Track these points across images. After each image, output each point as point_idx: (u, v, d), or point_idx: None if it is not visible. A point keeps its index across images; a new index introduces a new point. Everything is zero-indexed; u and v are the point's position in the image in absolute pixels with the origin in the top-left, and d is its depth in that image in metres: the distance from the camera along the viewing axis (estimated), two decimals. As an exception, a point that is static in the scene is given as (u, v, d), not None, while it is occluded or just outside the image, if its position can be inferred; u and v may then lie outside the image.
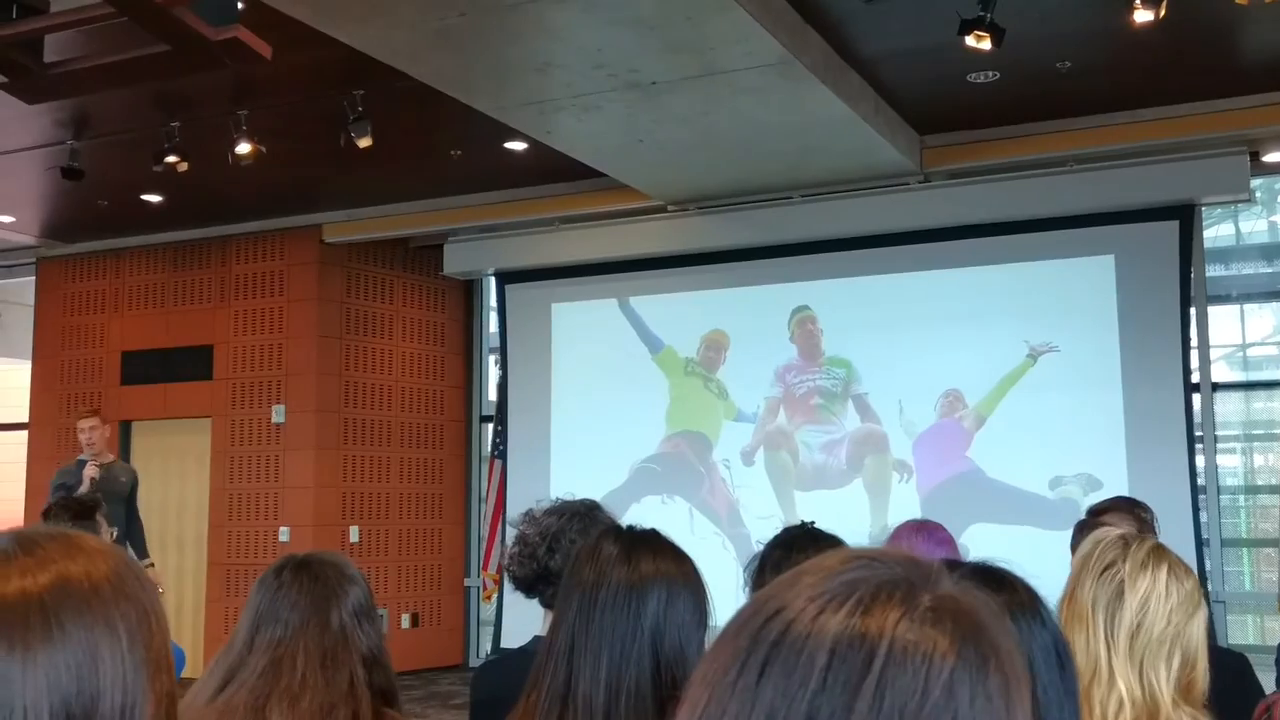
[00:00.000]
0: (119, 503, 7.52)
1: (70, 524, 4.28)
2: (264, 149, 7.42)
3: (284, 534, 9.59)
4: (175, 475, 10.32)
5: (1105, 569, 1.79)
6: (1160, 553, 1.84)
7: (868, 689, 0.69)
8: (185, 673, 6.85)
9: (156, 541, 10.25)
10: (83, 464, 7.51)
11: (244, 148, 7.36)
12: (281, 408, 9.75)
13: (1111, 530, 1.89)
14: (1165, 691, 1.73)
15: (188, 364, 10.23)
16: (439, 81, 6.18)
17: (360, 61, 5.97)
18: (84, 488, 7.26)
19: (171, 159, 7.47)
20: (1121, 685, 1.71)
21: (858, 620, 0.71)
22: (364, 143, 7.05)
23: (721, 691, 0.72)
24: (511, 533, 2.58)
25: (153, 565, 7.91)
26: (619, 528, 1.92)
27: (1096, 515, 3.11)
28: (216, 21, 2.81)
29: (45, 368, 10.97)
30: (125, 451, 10.55)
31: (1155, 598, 1.77)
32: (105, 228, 10.22)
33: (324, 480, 9.66)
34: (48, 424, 10.83)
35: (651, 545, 1.85)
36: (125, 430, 10.52)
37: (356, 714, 2.00)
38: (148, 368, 10.43)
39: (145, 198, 9.22)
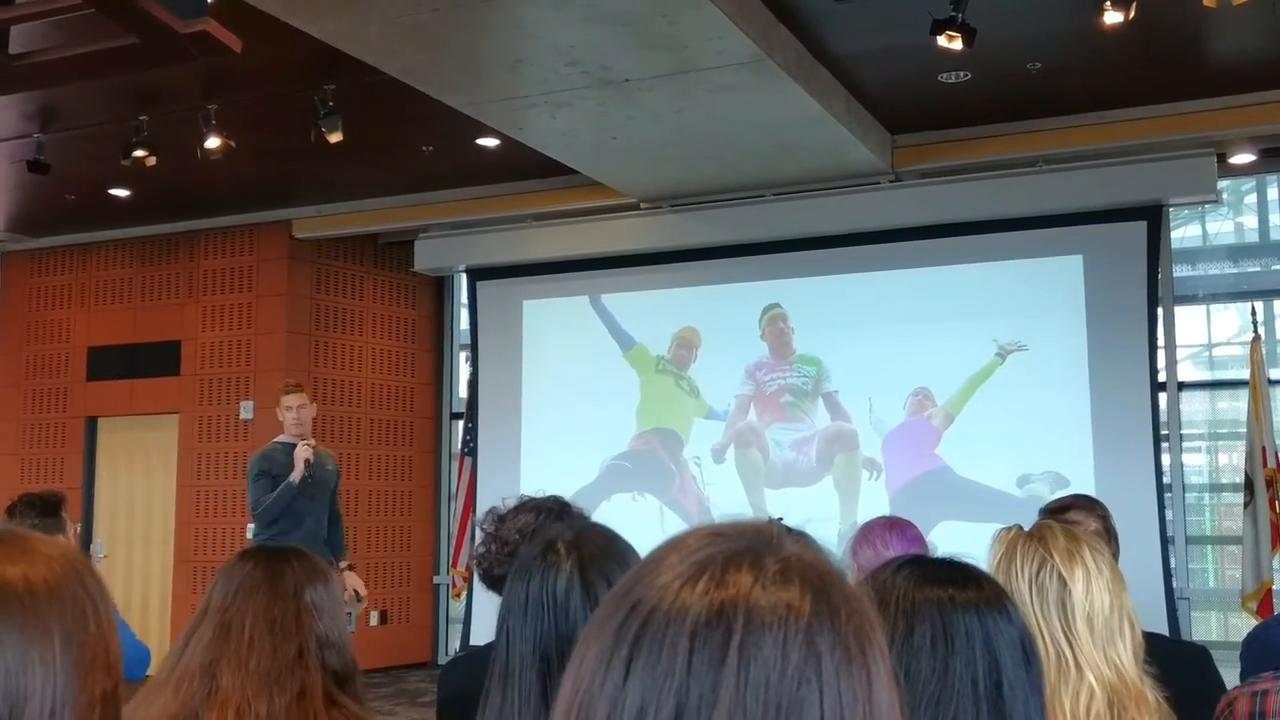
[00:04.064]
0: (324, 496, 6.38)
1: (36, 520, 4.22)
2: (233, 143, 7.36)
3: (251, 530, 9.51)
4: (142, 472, 10.24)
5: (1039, 569, 1.80)
6: (1072, 534, 1.86)
7: (731, 663, 0.70)
8: (152, 669, 6.76)
9: (122, 538, 10.20)
10: (288, 447, 6.27)
11: (213, 142, 7.29)
12: (250, 404, 9.68)
13: (1009, 530, 1.90)
14: (1128, 665, 1.76)
15: (155, 360, 10.13)
16: (410, 77, 6.15)
17: (331, 56, 5.93)
18: (297, 474, 6.13)
19: (140, 153, 7.39)
20: (1090, 675, 1.73)
21: (712, 595, 0.73)
22: (334, 138, 7.00)
23: (590, 696, 0.73)
24: (481, 533, 2.56)
25: (351, 567, 6.70)
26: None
27: (1059, 512, 3.10)
28: (185, 14, 2.78)
29: (9, 363, 10.84)
30: (91, 447, 10.46)
31: (1094, 578, 1.79)
32: (72, 222, 10.12)
33: (293, 477, 9.58)
34: (11, 419, 10.71)
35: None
36: (91, 426, 10.43)
37: (305, 685, 2.01)
38: (114, 363, 10.33)
39: (113, 192, 9.13)
